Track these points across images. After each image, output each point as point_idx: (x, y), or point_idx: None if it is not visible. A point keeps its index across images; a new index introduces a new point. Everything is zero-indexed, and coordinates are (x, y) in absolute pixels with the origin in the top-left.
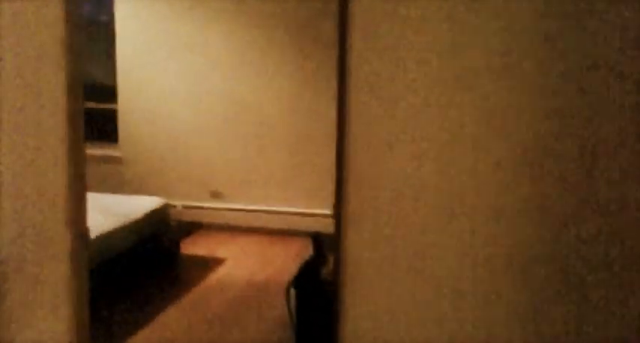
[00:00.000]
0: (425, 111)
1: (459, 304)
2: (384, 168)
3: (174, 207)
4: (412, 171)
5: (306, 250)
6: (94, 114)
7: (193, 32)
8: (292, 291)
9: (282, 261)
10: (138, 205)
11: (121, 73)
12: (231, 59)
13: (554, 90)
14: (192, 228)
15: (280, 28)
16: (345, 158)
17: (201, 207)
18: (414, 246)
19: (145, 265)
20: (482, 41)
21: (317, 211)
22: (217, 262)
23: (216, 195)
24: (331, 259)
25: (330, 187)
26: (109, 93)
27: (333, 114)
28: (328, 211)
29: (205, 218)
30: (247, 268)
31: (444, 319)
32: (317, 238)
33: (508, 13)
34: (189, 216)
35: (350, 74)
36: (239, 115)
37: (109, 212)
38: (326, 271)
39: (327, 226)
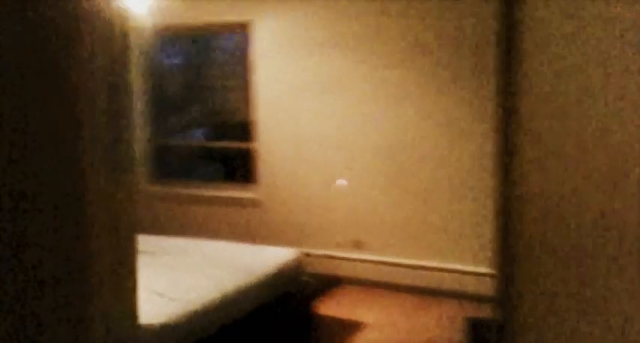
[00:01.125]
0: None
1: None
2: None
3: (311, 255)
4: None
5: (462, 315)
6: (231, 153)
7: (339, 70)
8: None
9: (433, 331)
10: (268, 258)
11: (259, 110)
12: (377, 100)
13: None
14: (329, 282)
15: (430, 70)
16: (511, 207)
17: (341, 258)
18: None
19: (272, 329)
20: None
21: (476, 269)
22: (357, 327)
23: (357, 245)
24: None
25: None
26: (247, 131)
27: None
28: (490, 270)
29: (344, 271)
30: (391, 336)
31: None
32: (476, 325)
33: None
34: (326, 268)
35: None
36: (385, 158)
37: (233, 266)
38: None
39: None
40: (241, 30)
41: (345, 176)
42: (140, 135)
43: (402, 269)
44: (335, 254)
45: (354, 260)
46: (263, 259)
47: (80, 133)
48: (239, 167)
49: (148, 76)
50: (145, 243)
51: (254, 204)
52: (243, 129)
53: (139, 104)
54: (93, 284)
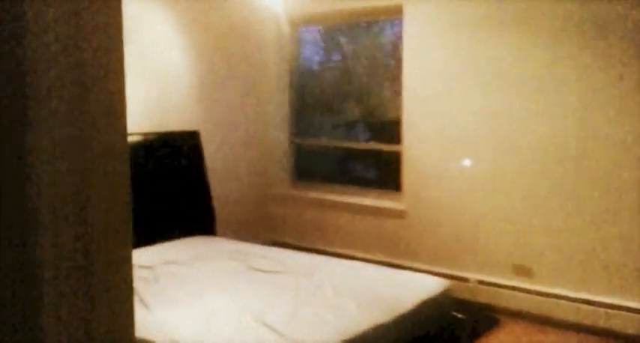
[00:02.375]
0: None
1: None
2: None
3: (466, 280)
4: None
5: None
6: (377, 156)
7: (502, 61)
8: None
9: None
10: (411, 288)
11: (407, 108)
12: (550, 95)
13: None
14: (484, 318)
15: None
16: None
17: (498, 285)
18: None
19: None
20: None
21: None
22: None
23: (521, 271)
24: None
25: None
26: (394, 131)
27: None
28: None
29: (502, 300)
30: None
31: None
32: None
33: None
34: (481, 297)
35: None
36: (559, 164)
37: (366, 298)
38: None
39: None
40: (391, 16)
41: (505, 184)
42: (280, 135)
43: (581, 305)
44: (491, 279)
45: (516, 288)
46: (404, 289)
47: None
48: (384, 172)
49: (290, 72)
50: (270, 256)
51: (398, 214)
52: (393, 130)
53: (278, 102)
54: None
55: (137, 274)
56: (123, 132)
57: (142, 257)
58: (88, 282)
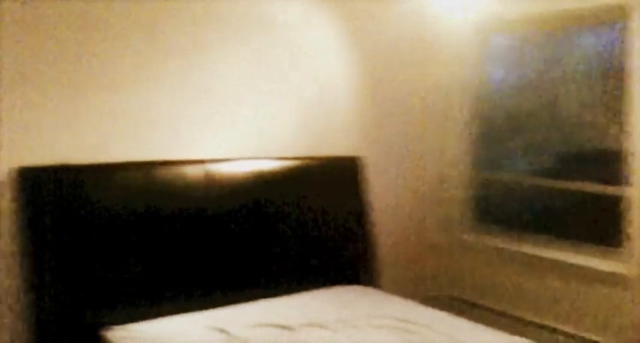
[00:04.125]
0: None
1: None
2: None
3: None
4: None
5: None
6: (583, 198)
7: None
8: None
9: None
10: None
11: (637, 137)
12: None
13: None
14: None
15: None
16: None
17: None
18: None
19: None
20: None
21: None
22: None
23: None
24: None
25: None
26: (610, 167)
27: None
28: None
29: None
30: None
31: None
32: None
33: None
34: None
35: None
36: None
37: None
38: None
39: None
40: (613, 20)
41: None
42: (460, 168)
43: None
44: None
45: None
46: None
47: None
48: (596, 221)
49: (473, 91)
50: (446, 329)
51: (617, 281)
52: (604, 165)
53: (459, 127)
54: None
55: (271, 334)
56: None
57: (280, 312)
58: None
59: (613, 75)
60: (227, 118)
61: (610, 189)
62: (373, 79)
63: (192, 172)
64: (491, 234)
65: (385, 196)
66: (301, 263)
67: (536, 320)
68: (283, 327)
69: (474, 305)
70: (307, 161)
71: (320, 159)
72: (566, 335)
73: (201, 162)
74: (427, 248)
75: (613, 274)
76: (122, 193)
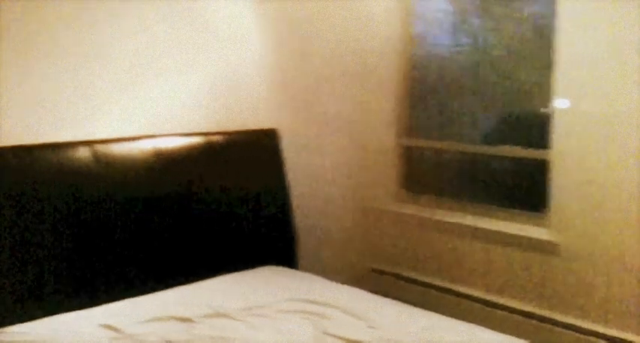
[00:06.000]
0: None
1: None
2: None
3: None
4: None
5: None
6: (510, 164)
7: None
8: None
9: None
10: None
11: (560, 102)
12: None
13: None
14: None
15: None
16: None
17: None
18: None
19: None
20: None
21: None
22: None
23: None
24: None
25: None
26: (538, 132)
27: None
28: None
29: None
30: None
31: None
32: None
33: None
34: None
35: None
36: None
37: None
38: None
39: None
40: None
41: None
42: (385, 135)
43: None
44: None
45: None
46: None
47: None
48: (520, 186)
49: (399, 54)
50: (362, 312)
51: (542, 247)
52: (532, 130)
53: (384, 93)
54: None
55: (167, 329)
56: None
57: (181, 302)
58: None
59: (544, 38)
60: (124, 96)
61: (535, 153)
62: (292, 43)
63: (80, 155)
64: (418, 204)
65: (305, 169)
66: (216, 247)
67: (468, 291)
68: (182, 320)
69: (399, 277)
70: (216, 136)
71: (230, 133)
72: (498, 306)
73: (88, 143)
74: (352, 221)
75: (539, 241)
76: None
